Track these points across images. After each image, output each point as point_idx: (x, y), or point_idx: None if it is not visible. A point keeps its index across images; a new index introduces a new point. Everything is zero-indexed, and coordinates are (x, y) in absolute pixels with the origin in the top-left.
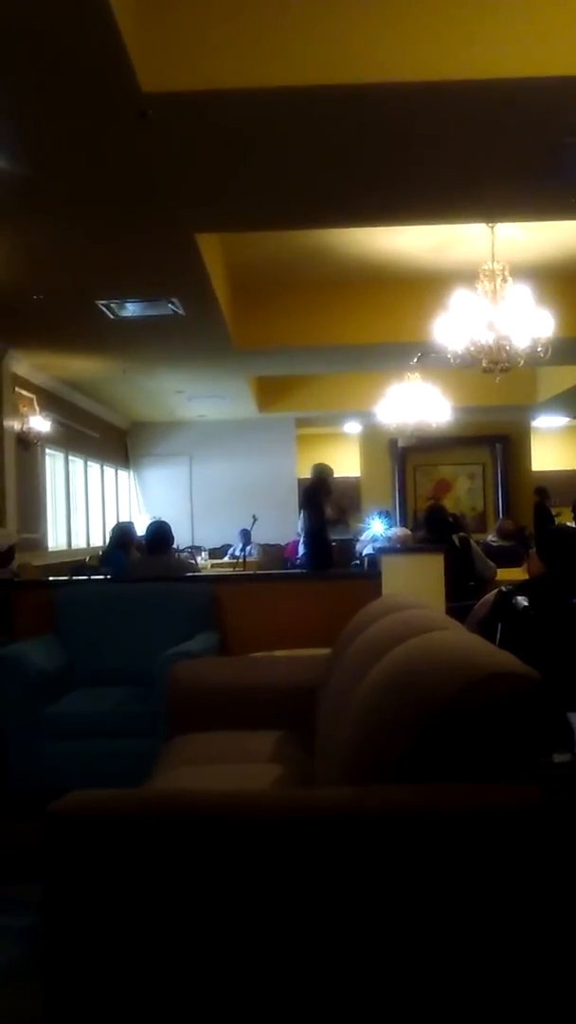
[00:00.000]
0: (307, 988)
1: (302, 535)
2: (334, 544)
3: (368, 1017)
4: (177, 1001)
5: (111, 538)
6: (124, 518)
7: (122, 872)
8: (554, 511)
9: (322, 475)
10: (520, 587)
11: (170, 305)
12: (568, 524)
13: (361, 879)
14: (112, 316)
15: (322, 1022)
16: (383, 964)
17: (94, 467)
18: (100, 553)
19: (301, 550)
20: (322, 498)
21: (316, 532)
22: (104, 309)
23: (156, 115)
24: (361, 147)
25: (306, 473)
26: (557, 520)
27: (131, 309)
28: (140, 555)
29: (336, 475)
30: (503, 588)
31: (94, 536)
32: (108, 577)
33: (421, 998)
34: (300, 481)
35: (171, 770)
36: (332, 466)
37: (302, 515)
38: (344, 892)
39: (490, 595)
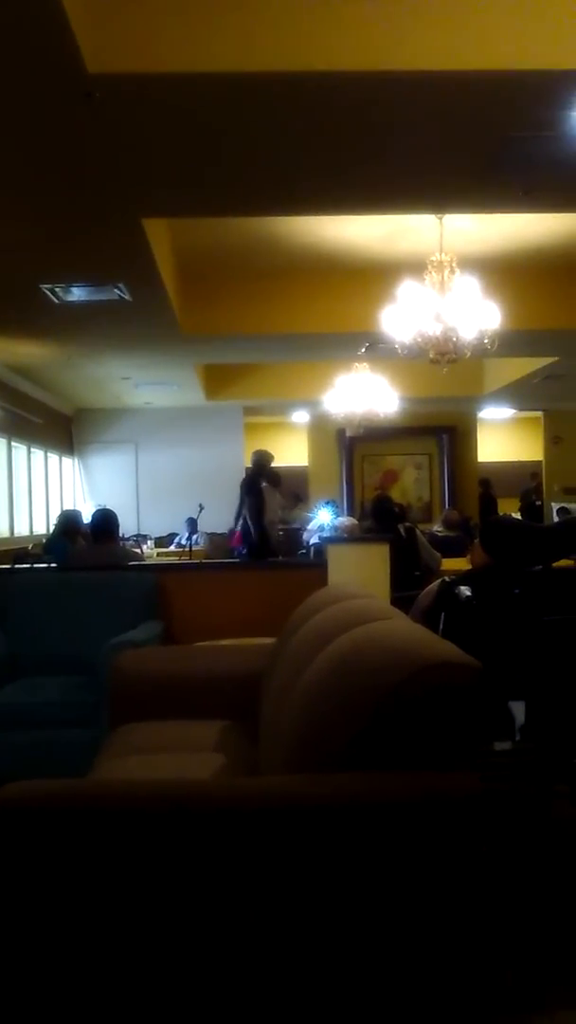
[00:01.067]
0: (253, 973)
1: (245, 522)
2: (281, 533)
3: (315, 1000)
4: (116, 988)
5: (56, 526)
6: (68, 506)
7: (65, 862)
8: (498, 501)
9: (262, 462)
10: (463, 577)
11: (116, 290)
12: (511, 515)
13: (306, 866)
14: (57, 300)
15: (269, 1007)
16: (329, 948)
17: (38, 454)
18: (44, 541)
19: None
20: (262, 485)
21: (257, 520)
22: (49, 293)
23: (102, 97)
24: (309, 135)
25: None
26: (501, 510)
27: (76, 294)
28: (85, 544)
29: (284, 464)
30: (446, 578)
31: (37, 524)
32: (52, 565)
33: (365, 980)
34: (247, 470)
35: (114, 760)
36: (280, 455)
37: (243, 503)
38: (288, 880)
39: (434, 585)
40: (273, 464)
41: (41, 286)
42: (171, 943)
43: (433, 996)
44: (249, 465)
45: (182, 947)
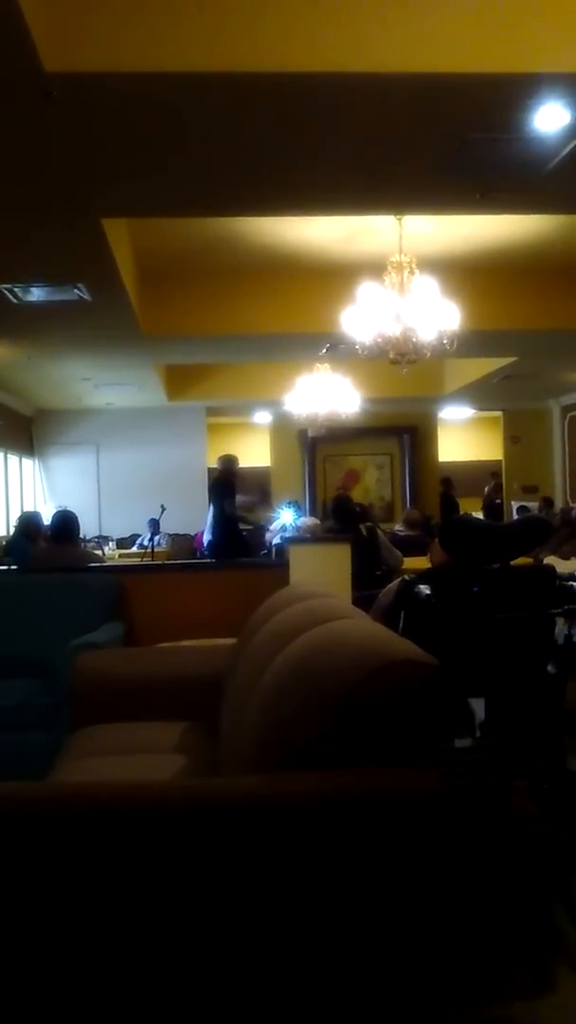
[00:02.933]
0: (215, 975)
1: (212, 525)
2: (244, 533)
3: (277, 996)
4: (78, 994)
5: (16, 528)
6: (28, 508)
7: (23, 865)
8: (459, 500)
9: (230, 466)
10: (423, 576)
11: (76, 290)
12: (470, 514)
13: (265, 866)
14: (16, 300)
15: (234, 1008)
16: (290, 945)
17: None
18: (3, 544)
19: (206, 539)
20: (234, 488)
21: (229, 522)
22: (7, 293)
23: (61, 96)
24: (268, 136)
25: (216, 463)
26: (462, 509)
27: (36, 294)
28: (46, 545)
29: (246, 465)
30: (406, 577)
31: None
32: (12, 568)
33: (325, 975)
34: (210, 471)
35: (75, 762)
36: (242, 455)
37: (211, 506)
38: (247, 879)
39: (393, 584)
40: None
41: (0, 286)
42: (129, 943)
43: (394, 989)
44: (216, 468)
45: (140, 947)
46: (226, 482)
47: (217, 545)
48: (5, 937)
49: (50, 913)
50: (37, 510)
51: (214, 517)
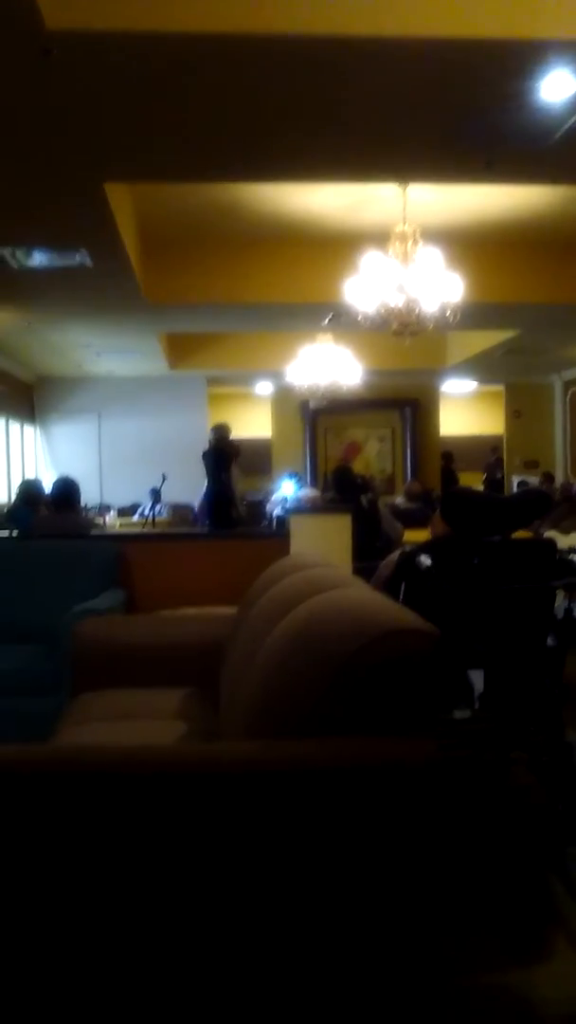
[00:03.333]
0: (215, 940)
1: (214, 493)
2: (245, 504)
3: (273, 968)
4: (81, 958)
5: (18, 495)
6: (30, 475)
7: (25, 828)
8: (459, 474)
9: (224, 435)
10: (423, 547)
11: (78, 256)
12: (471, 487)
13: (262, 832)
14: (17, 265)
15: (230, 973)
16: (288, 911)
17: None
18: (5, 510)
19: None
20: (229, 458)
21: (221, 492)
22: (9, 258)
23: (62, 55)
24: (273, 99)
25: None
26: (462, 483)
27: (38, 259)
28: (47, 512)
29: (248, 436)
30: (406, 548)
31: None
32: (13, 534)
33: (324, 942)
34: (210, 443)
35: (75, 727)
36: (243, 426)
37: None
38: (245, 845)
39: (394, 555)
40: (234, 436)
41: (0, 250)
42: (128, 904)
43: (392, 957)
44: (211, 438)
45: (140, 909)
46: (219, 453)
47: (208, 515)
48: (6, 898)
49: (51, 874)
50: (38, 477)
51: (207, 487)
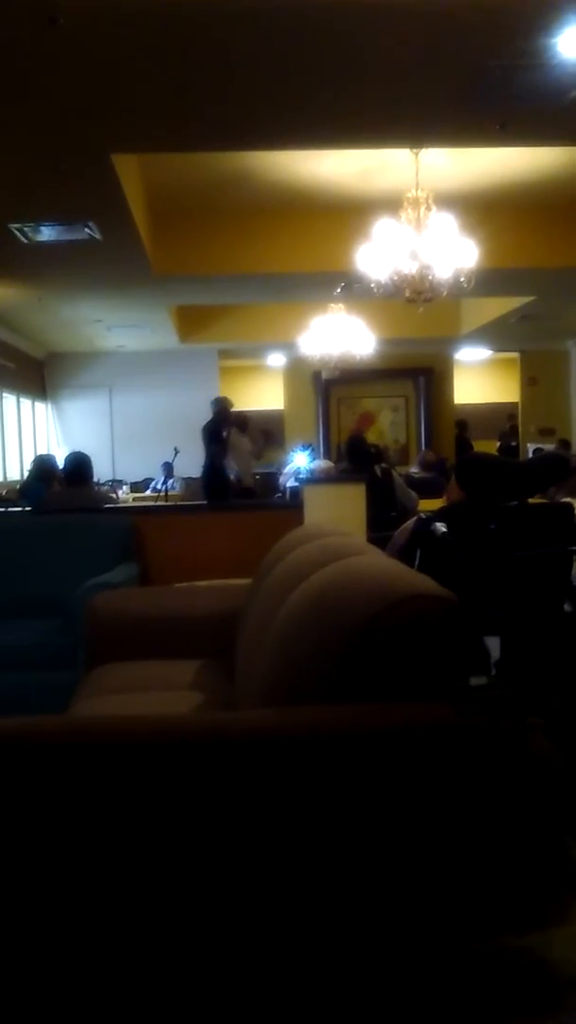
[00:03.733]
0: (237, 906)
1: (210, 469)
2: (257, 477)
3: (294, 935)
4: (101, 925)
5: (31, 471)
6: (42, 451)
7: (42, 799)
8: (474, 443)
9: (223, 409)
10: (438, 514)
11: (86, 229)
12: (487, 452)
13: (281, 799)
14: (26, 240)
15: (252, 936)
16: (307, 878)
17: (9, 399)
18: (18, 486)
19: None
20: (224, 432)
21: (215, 466)
22: (17, 233)
23: (68, 23)
24: (283, 63)
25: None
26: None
27: (46, 233)
28: (60, 487)
29: (260, 408)
30: (422, 515)
31: (11, 469)
32: (27, 509)
33: (343, 908)
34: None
35: (90, 699)
36: (255, 398)
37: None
38: (264, 812)
39: (409, 522)
40: (242, 408)
41: (10, 226)
42: (147, 875)
43: (410, 920)
44: (212, 412)
45: (157, 876)
46: (214, 427)
47: (204, 489)
48: (25, 867)
49: (68, 845)
50: (51, 453)
51: (205, 461)
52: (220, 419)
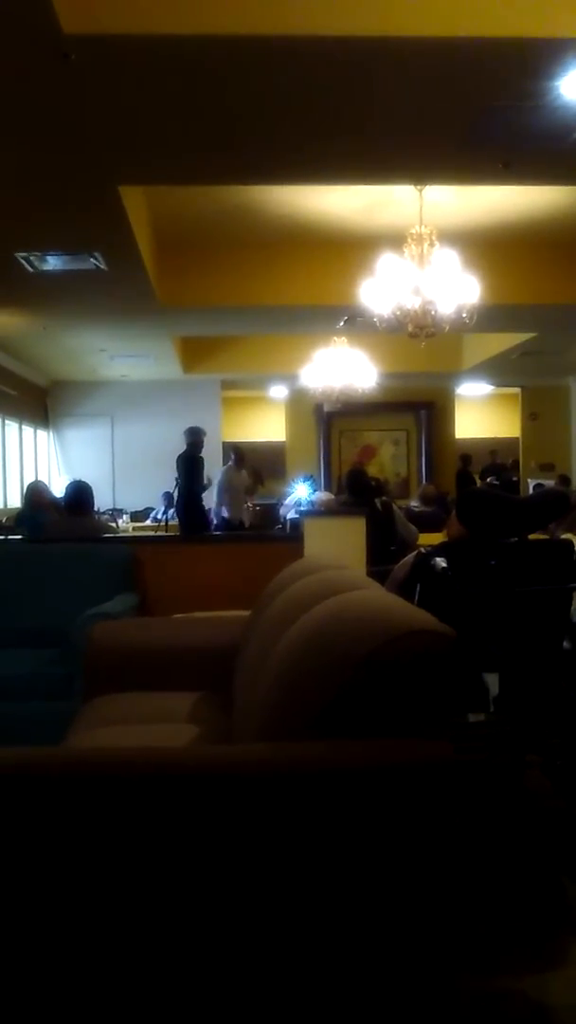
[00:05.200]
0: (225, 943)
1: (184, 496)
2: (257, 508)
3: (285, 972)
4: (93, 960)
5: (24, 498)
6: (43, 479)
7: (38, 830)
8: (476, 478)
9: (199, 440)
10: (439, 549)
11: (92, 259)
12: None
13: (278, 833)
14: (32, 269)
15: (242, 969)
16: (300, 912)
17: (12, 426)
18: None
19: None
20: (199, 464)
21: (191, 498)
22: (23, 262)
23: (79, 59)
24: (290, 101)
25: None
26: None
27: (52, 262)
28: (58, 515)
29: (262, 439)
30: (422, 549)
31: (12, 497)
32: (27, 538)
33: (335, 943)
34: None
35: (87, 731)
36: (257, 429)
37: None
38: (262, 846)
39: (409, 557)
40: (245, 440)
41: (16, 254)
42: (139, 909)
43: (405, 959)
44: (187, 442)
45: (149, 910)
46: (191, 458)
47: (181, 520)
48: (17, 898)
49: (62, 877)
50: (41, 480)
51: (180, 491)
52: (195, 449)
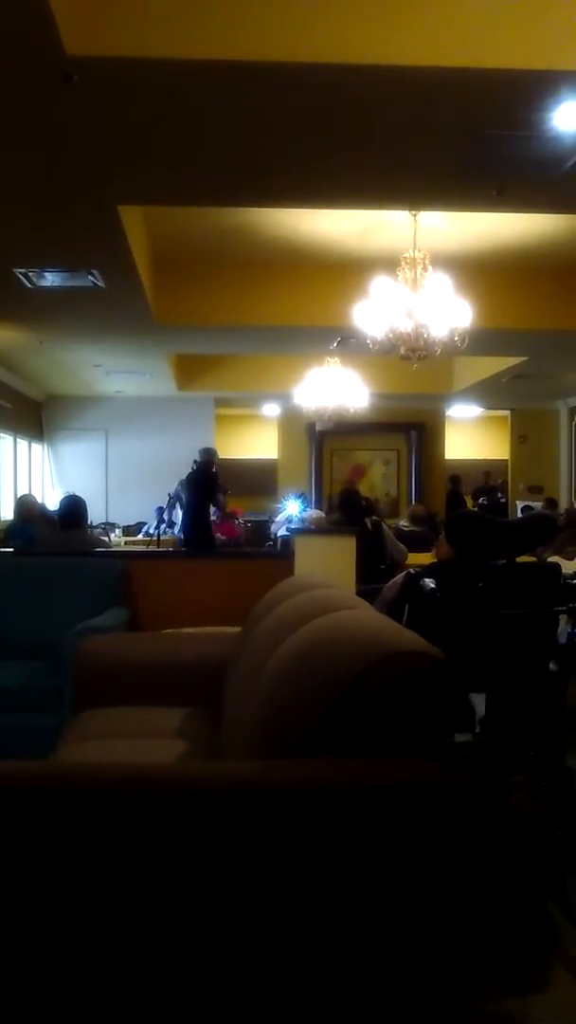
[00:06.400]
0: (213, 960)
1: (193, 516)
2: (249, 525)
3: (270, 987)
4: (73, 975)
5: (14, 511)
6: (38, 492)
7: (23, 845)
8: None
9: (213, 459)
10: (428, 570)
11: (90, 277)
12: (476, 510)
13: (264, 851)
14: (30, 285)
15: (225, 992)
16: (285, 936)
17: (6, 439)
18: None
19: (174, 532)
20: (214, 482)
21: (200, 515)
22: (22, 278)
23: (81, 80)
24: (288, 126)
25: (225, 454)
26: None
27: (50, 279)
28: (49, 529)
29: (254, 456)
30: (411, 570)
31: (6, 510)
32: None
33: (319, 963)
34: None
35: (76, 744)
36: (249, 447)
37: (186, 497)
38: (247, 864)
39: (398, 577)
40: (237, 457)
41: (15, 270)
42: (124, 925)
43: (389, 981)
44: (199, 459)
45: (135, 930)
46: (208, 476)
47: (188, 538)
48: (4, 914)
49: (47, 892)
50: (31, 493)
51: (189, 509)
52: (208, 469)
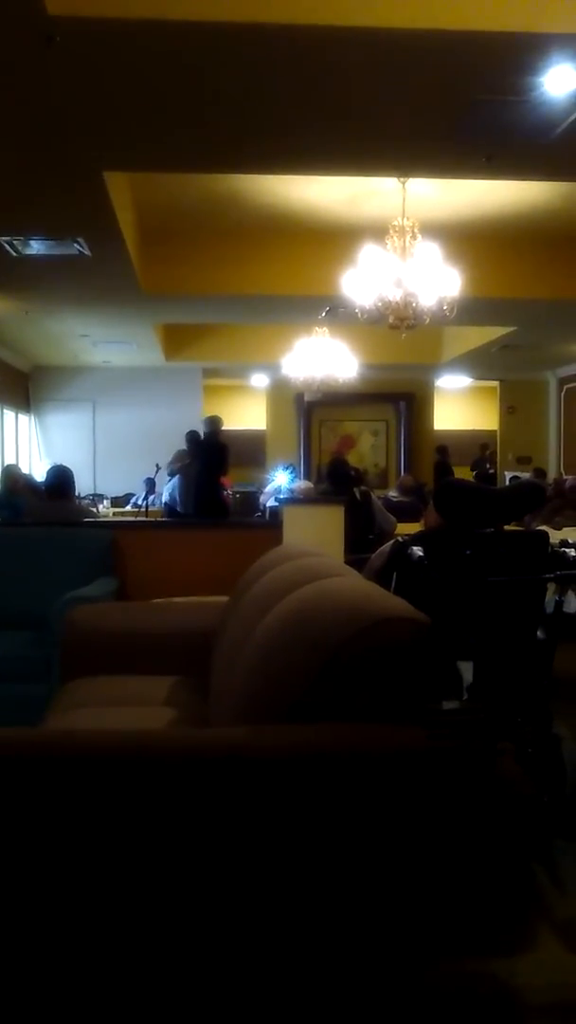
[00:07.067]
0: (204, 926)
1: (196, 486)
2: (237, 496)
3: (260, 954)
4: (69, 941)
5: (0, 482)
6: (24, 463)
7: (12, 811)
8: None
9: (218, 428)
10: (415, 538)
11: (76, 245)
12: (465, 478)
13: (251, 816)
14: (15, 253)
15: (217, 958)
16: (274, 898)
17: None
18: None
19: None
20: (224, 451)
21: (211, 484)
22: (6, 246)
23: (64, 41)
24: (274, 89)
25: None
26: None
27: (35, 247)
28: (36, 499)
29: (242, 427)
30: (399, 539)
31: None
32: (5, 521)
33: (311, 926)
34: (206, 433)
35: (64, 713)
36: (238, 418)
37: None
38: (234, 829)
39: (386, 546)
40: (228, 428)
41: None
42: (113, 891)
43: (376, 941)
44: (207, 429)
45: (123, 896)
46: (218, 445)
47: (204, 506)
48: None
49: (38, 858)
50: (16, 463)
51: (200, 478)
52: (216, 439)
